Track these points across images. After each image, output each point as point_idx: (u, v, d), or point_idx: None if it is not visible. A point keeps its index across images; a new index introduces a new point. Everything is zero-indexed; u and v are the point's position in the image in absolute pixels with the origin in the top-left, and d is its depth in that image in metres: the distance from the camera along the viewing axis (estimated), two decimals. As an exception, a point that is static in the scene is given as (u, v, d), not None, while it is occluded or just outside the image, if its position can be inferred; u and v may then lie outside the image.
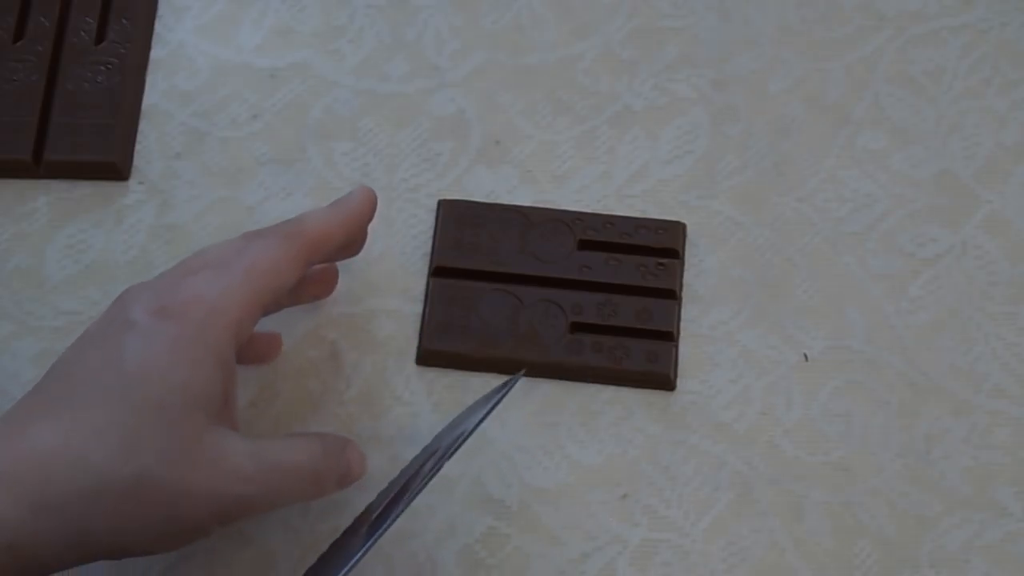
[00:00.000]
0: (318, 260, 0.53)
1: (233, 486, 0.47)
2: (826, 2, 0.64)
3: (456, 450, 0.49)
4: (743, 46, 0.63)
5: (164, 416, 0.46)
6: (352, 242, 0.55)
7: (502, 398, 0.50)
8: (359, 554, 0.47)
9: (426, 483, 0.48)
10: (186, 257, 0.52)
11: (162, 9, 0.66)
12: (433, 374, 0.58)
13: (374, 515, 0.50)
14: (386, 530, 0.47)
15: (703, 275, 0.60)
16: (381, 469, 0.57)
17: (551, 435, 0.57)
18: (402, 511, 0.48)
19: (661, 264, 0.59)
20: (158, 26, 0.66)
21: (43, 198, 0.62)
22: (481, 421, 0.49)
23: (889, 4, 0.64)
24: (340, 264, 0.60)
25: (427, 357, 0.58)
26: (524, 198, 0.61)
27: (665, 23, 0.64)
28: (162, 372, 0.47)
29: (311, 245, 0.52)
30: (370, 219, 0.55)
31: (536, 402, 0.58)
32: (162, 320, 0.48)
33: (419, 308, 0.59)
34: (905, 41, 0.63)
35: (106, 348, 0.48)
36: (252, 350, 0.58)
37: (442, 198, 0.61)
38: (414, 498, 0.48)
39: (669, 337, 0.58)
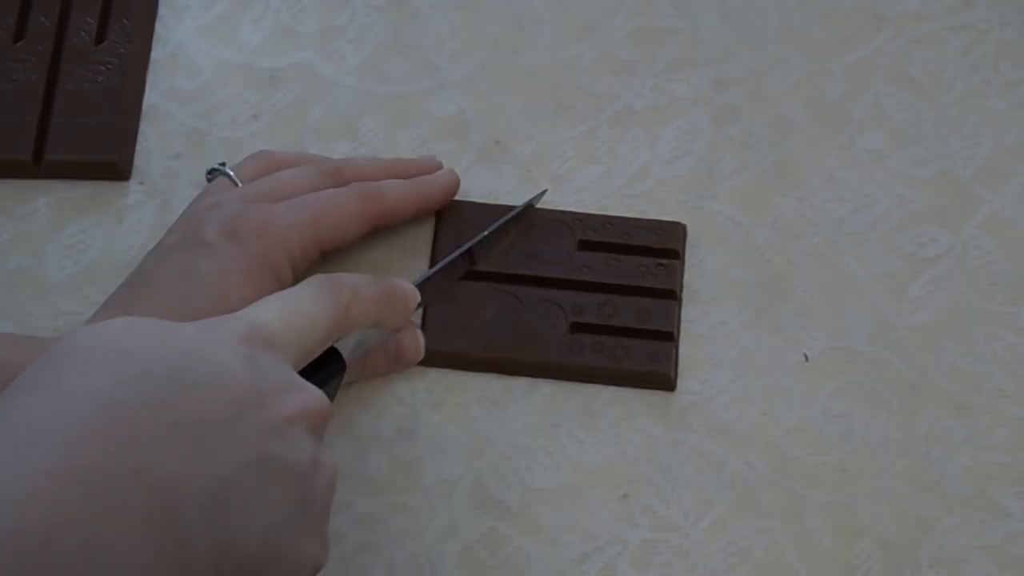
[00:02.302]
0: (383, 226, 0.59)
1: None
2: (826, 2, 0.64)
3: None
4: (743, 46, 0.63)
5: (234, 326, 0.50)
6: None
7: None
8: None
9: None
10: (261, 176, 0.59)
11: (162, 9, 0.66)
12: (433, 374, 0.58)
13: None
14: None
15: (703, 275, 0.59)
16: (381, 469, 0.57)
17: (551, 435, 0.57)
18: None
19: (661, 264, 0.59)
20: (158, 26, 0.66)
21: (43, 198, 0.62)
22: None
23: (889, 4, 0.64)
24: (345, 265, 0.60)
25: (427, 357, 0.58)
26: (524, 198, 0.61)
27: (665, 23, 0.64)
28: (233, 289, 0.54)
29: (381, 212, 0.58)
30: (444, 203, 0.61)
31: (536, 402, 0.58)
32: (233, 242, 0.55)
33: (421, 311, 0.59)
34: (905, 41, 0.63)
35: (183, 261, 0.55)
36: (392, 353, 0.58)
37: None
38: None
39: (669, 337, 0.58)
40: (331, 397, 0.52)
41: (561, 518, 0.56)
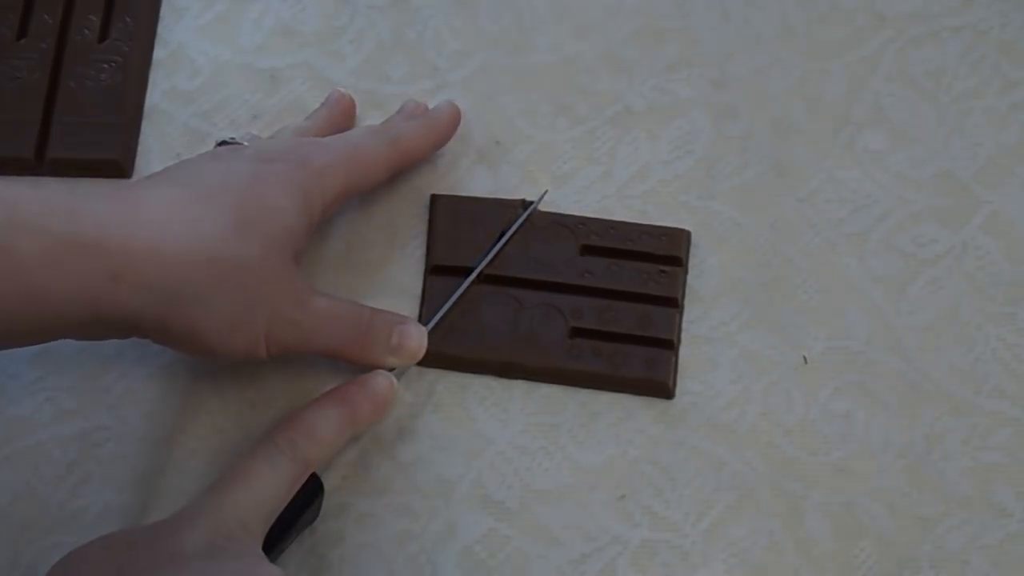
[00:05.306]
0: (402, 171, 0.60)
1: (293, 310, 0.54)
2: (826, 2, 0.64)
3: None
4: (743, 46, 0.63)
5: (266, 227, 0.53)
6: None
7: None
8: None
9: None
10: (287, 127, 0.61)
11: (163, 10, 0.66)
12: (433, 375, 0.59)
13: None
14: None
15: (704, 276, 0.59)
16: (381, 469, 0.57)
17: (551, 436, 0.57)
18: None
19: (663, 271, 0.59)
20: (159, 27, 0.66)
21: (45, 198, 0.62)
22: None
23: (889, 4, 0.64)
24: (343, 264, 0.60)
25: (427, 358, 0.58)
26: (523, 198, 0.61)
27: (665, 23, 0.64)
28: (270, 196, 0.54)
29: (403, 156, 0.59)
30: (452, 135, 0.61)
31: (536, 403, 0.58)
32: (270, 163, 0.55)
33: (418, 309, 0.59)
34: (905, 41, 0.63)
35: (221, 163, 0.55)
36: None
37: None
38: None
39: (669, 345, 0.58)
40: (313, 518, 0.55)
41: (561, 518, 0.56)
